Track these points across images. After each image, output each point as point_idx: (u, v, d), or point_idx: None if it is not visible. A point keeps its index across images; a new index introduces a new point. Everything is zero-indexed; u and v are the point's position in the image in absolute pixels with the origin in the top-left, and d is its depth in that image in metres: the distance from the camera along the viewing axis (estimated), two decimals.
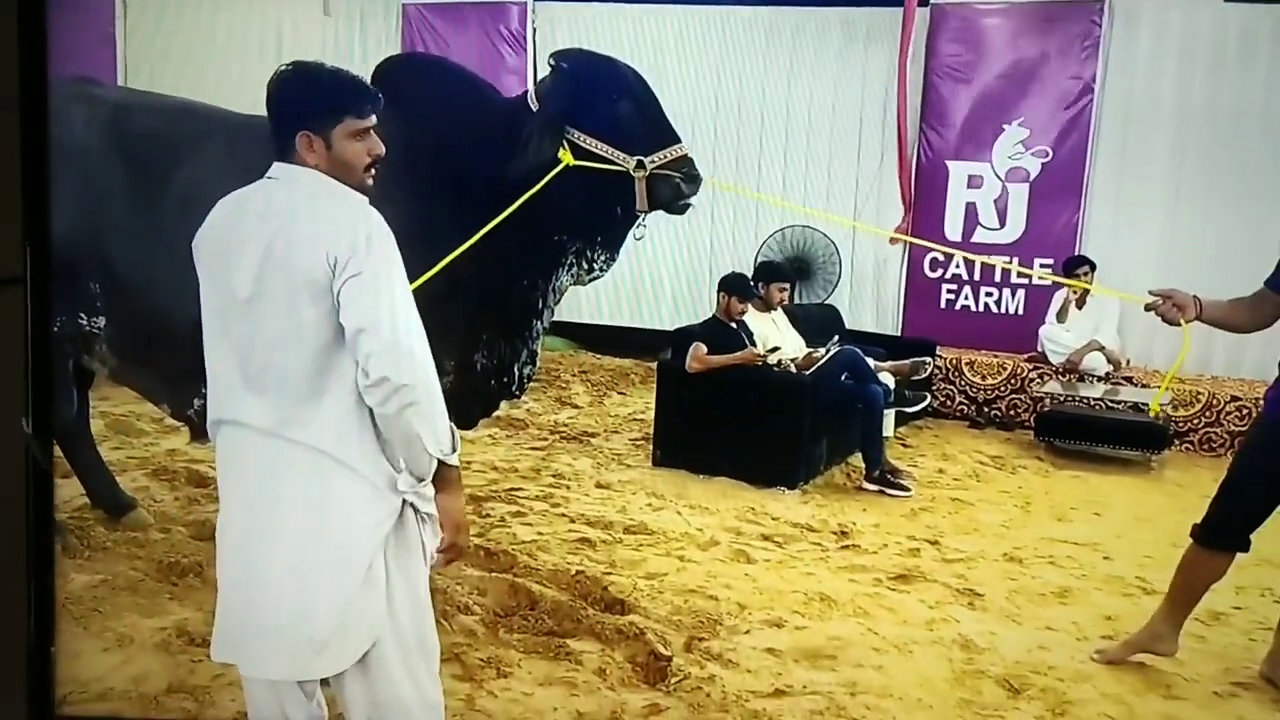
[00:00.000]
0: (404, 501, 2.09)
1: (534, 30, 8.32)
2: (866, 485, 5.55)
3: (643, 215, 3.61)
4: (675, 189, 3.57)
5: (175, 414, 3.93)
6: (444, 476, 2.12)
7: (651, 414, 5.92)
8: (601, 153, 3.50)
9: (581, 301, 8.54)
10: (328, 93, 2.10)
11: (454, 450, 2.10)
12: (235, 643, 2.12)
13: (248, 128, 3.79)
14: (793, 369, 5.71)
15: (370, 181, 2.14)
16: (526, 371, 3.82)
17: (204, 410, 3.80)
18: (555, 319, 8.50)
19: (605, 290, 8.54)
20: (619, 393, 7.67)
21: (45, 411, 2.12)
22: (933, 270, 7.95)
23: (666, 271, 8.36)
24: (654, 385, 5.95)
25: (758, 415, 5.49)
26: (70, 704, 2.95)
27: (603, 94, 3.55)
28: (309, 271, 1.98)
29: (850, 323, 7.54)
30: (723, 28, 8.27)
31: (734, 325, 5.63)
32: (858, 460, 5.75)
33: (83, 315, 3.69)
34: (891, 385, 5.96)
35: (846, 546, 4.55)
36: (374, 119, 2.13)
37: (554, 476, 5.35)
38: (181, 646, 3.25)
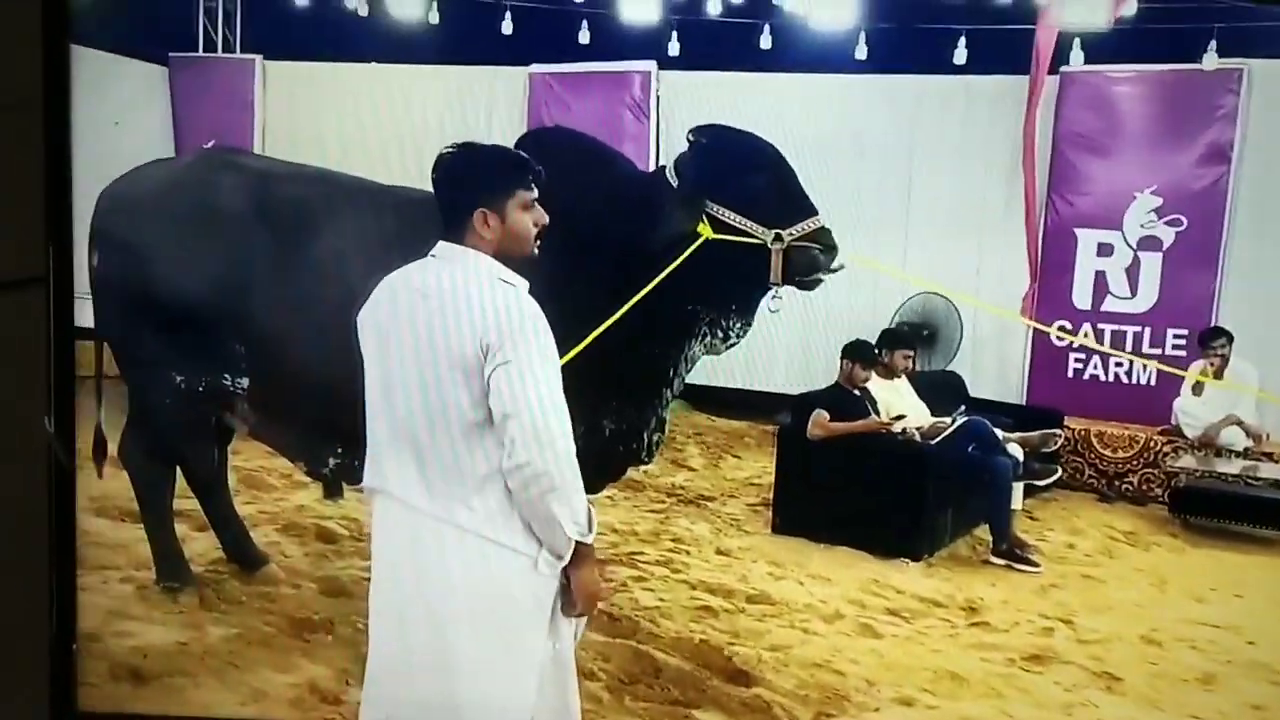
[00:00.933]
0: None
1: (657, 99, 8.45)
2: (993, 559, 5.40)
3: (776, 287, 3.61)
4: (813, 260, 3.56)
5: (310, 472, 4.05)
6: (578, 552, 2.15)
7: (768, 479, 5.88)
8: (740, 225, 3.51)
9: (698, 362, 8.55)
10: (500, 169, 2.20)
11: (590, 530, 2.13)
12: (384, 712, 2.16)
13: (385, 196, 3.95)
14: (918, 438, 5.61)
15: (535, 250, 2.22)
16: (655, 438, 3.83)
17: (339, 469, 3.94)
18: None
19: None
20: (734, 455, 7.64)
21: (67, 409, 2.17)
22: (1061, 339, 7.77)
23: (781, 334, 8.31)
24: (769, 449, 5.92)
25: (881, 484, 5.41)
26: None
27: (740, 168, 3.58)
28: (462, 354, 2.05)
29: (972, 390, 7.38)
30: (844, 96, 8.29)
31: (857, 392, 5.57)
32: (982, 532, 5.62)
33: (227, 375, 3.83)
34: (1020, 457, 5.82)
35: (976, 623, 4.43)
36: (537, 190, 2.21)
37: (673, 540, 5.33)
38: (314, 703, 3.30)
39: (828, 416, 5.46)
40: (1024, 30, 7.63)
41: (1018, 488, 5.84)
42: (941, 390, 6.69)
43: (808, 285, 3.63)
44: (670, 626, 4.06)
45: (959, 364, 7.69)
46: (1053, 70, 7.63)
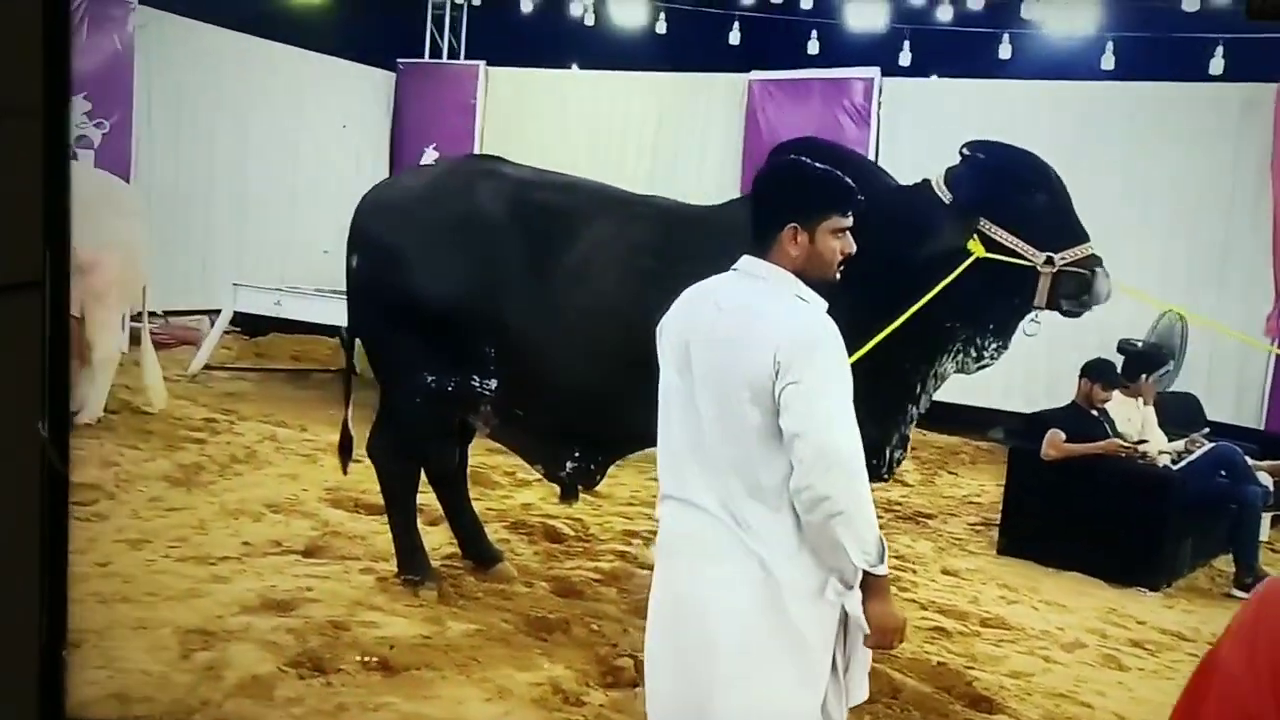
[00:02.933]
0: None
1: (879, 105, 8.34)
2: (1237, 593, 5.12)
3: (1038, 310, 3.50)
4: (1084, 284, 3.44)
5: (548, 474, 4.10)
6: (870, 584, 2.10)
7: (988, 497, 5.72)
8: (1013, 246, 3.42)
9: None
10: (822, 189, 2.18)
11: (881, 560, 2.08)
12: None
13: (635, 206, 3.99)
14: (1161, 462, 5.35)
15: (837, 276, 2.19)
16: (897, 455, 3.75)
17: (575, 472, 3.98)
18: None
19: None
20: (949, 472, 7.45)
21: (61, 413, 2.16)
22: None
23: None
24: (985, 465, 5.76)
25: (1118, 509, 5.18)
26: None
27: (1018, 187, 3.48)
28: (754, 371, 2.03)
29: (1207, 412, 6.98)
30: (1079, 103, 7.97)
31: (1095, 413, 5.36)
32: (1220, 563, 5.32)
33: (475, 377, 3.90)
34: (1270, 486, 5.48)
35: None
36: (852, 219, 2.19)
37: (896, 558, 5.22)
38: (557, 704, 3.30)
39: (1063, 436, 5.26)
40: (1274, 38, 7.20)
41: (1266, 519, 5.51)
42: (1177, 412, 6.36)
43: (1073, 312, 3.50)
44: (906, 647, 3.93)
45: (1193, 384, 7.29)
46: None
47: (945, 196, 3.50)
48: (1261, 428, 7.29)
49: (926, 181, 3.61)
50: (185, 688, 3.19)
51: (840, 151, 3.94)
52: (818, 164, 2.22)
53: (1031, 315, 3.53)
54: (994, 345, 3.62)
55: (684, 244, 3.66)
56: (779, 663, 2.09)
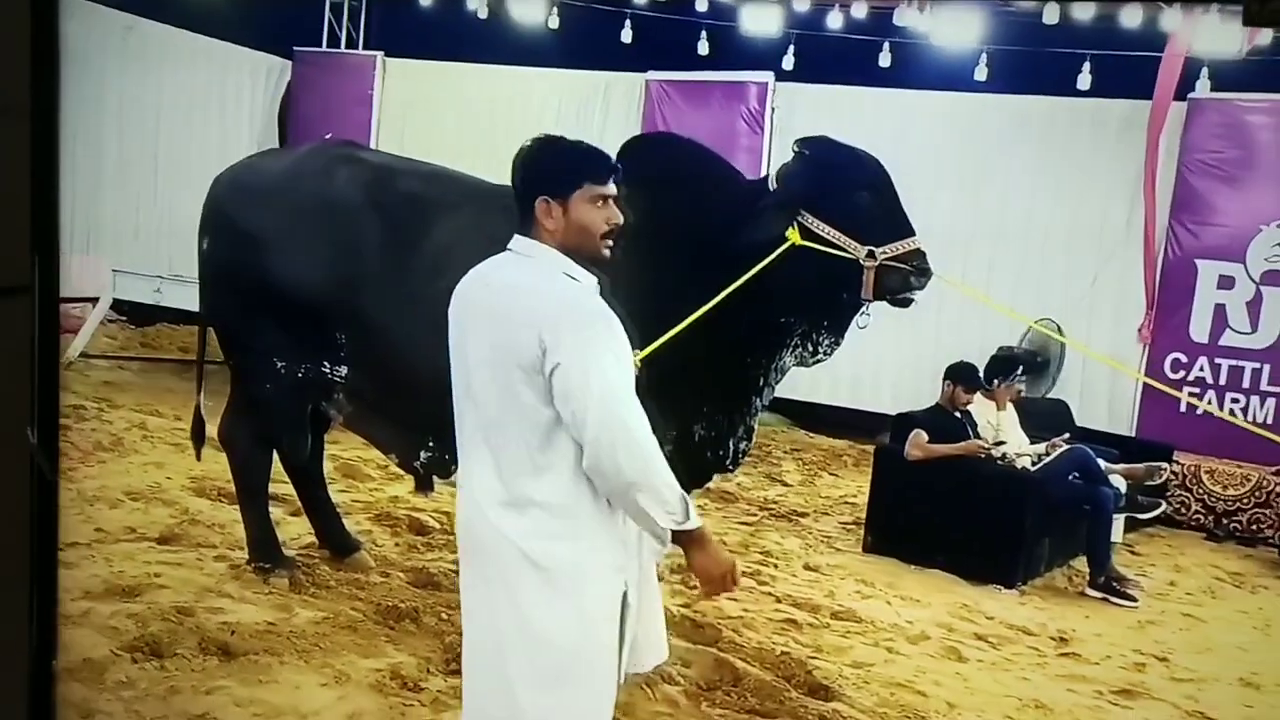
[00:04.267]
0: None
1: (773, 110, 8.46)
2: (1090, 591, 5.29)
3: (867, 304, 3.60)
4: (904, 281, 3.51)
5: (402, 464, 4.10)
6: (686, 539, 2.11)
7: (864, 498, 5.83)
8: (832, 239, 3.50)
9: (799, 379, 8.50)
10: (567, 159, 2.16)
11: (687, 516, 2.08)
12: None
13: (498, 197, 3.98)
14: (1018, 464, 5.52)
15: (607, 252, 2.16)
16: (742, 446, 3.82)
17: (429, 463, 3.98)
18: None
19: (823, 369, 8.46)
20: (831, 474, 7.58)
21: (50, 421, 2.14)
22: (1175, 371, 7.55)
23: (888, 355, 8.23)
24: (868, 468, 5.87)
25: (979, 508, 5.32)
26: None
27: (841, 183, 3.56)
28: (521, 350, 2.02)
29: (1080, 420, 7.21)
30: (969, 115, 8.18)
31: (958, 414, 5.50)
32: (1080, 564, 5.50)
33: (326, 364, 3.90)
34: (1124, 489, 5.67)
35: (1066, 654, 4.34)
36: (614, 188, 2.16)
37: (761, 554, 5.32)
38: (395, 689, 3.32)
39: (926, 437, 5.39)
40: (1149, 57, 7.46)
41: (1119, 520, 5.70)
42: (1046, 418, 6.54)
43: (900, 303, 3.59)
44: (753, 637, 4.05)
45: (1067, 392, 7.52)
46: (1179, 97, 7.44)
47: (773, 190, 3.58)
48: (1133, 434, 7.53)
49: (766, 177, 3.69)
50: None
51: (690, 145, 3.99)
52: (566, 137, 2.21)
53: (863, 309, 3.61)
54: (828, 341, 3.70)
55: None
56: (561, 650, 2.11)
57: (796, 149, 3.63)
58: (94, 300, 8.07)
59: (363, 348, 3.84)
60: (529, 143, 2.18)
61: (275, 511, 4.44)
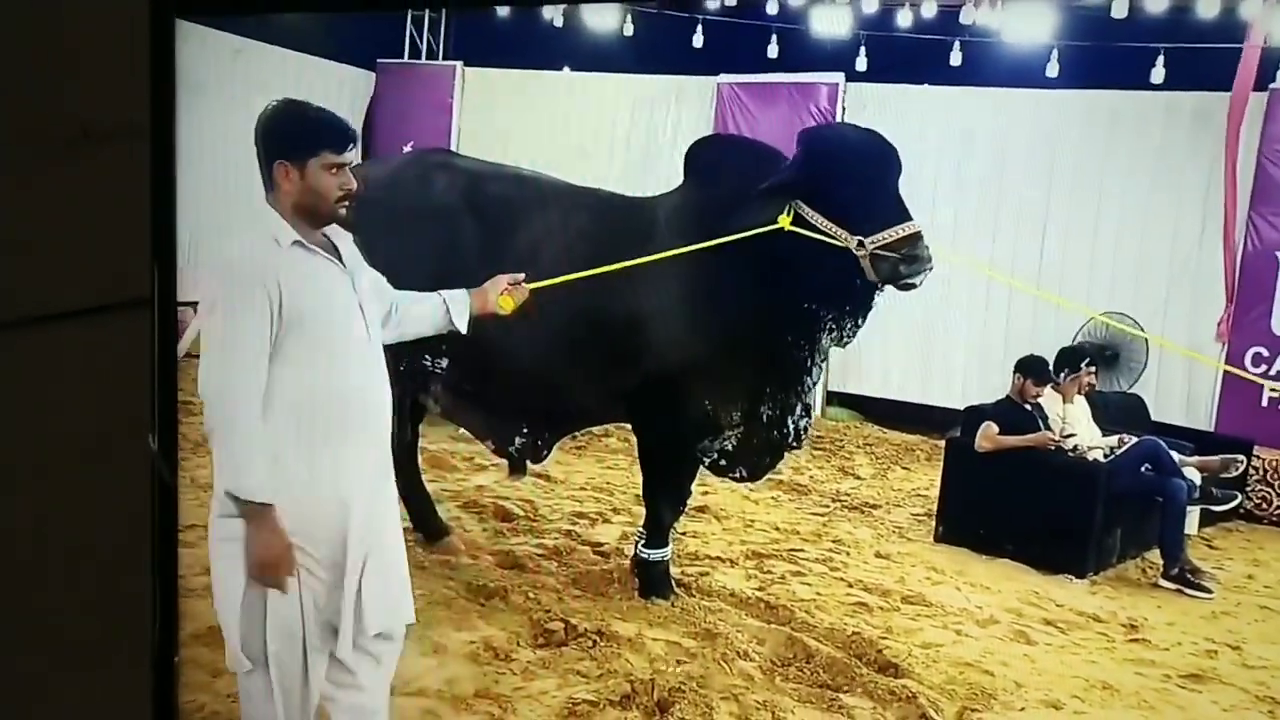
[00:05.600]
0: None
1: (843, 110, 8.55)
2: (1163, 582, 5.31)
3: (878, 287, 3.72)
4: (893, 269, 3.61)
5: (497, 450, 4.38)
6: (248, 513, 2.27)
7: (936, 491, 5.92)
8: (823, 228, 3.65)
9: (871, 374, 8.61)
10: (308, 127, 2.34)
11: (248, 497, 2.24)
12: None
13: (580, 196, 4.25)
14: (1089, 455, 5.56)
15: (343, 212, 2.38)
16: (803, 424, 4.04)
17: (523, 448, 4.24)
18: (842, 390, 8.63)
19: (895, 364, 8.58)
20: (903, 467, 7.66)
21: (170, 428, 2.24)
22: (1255, 365, 7.49)
23: (960, 348, 8.28)
24: (940, 463, 5.96)
25: (1049, 500, 5.39)
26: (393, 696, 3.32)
27: (835, 172, 3.68)
28: None
29: (1156, 414, 7.19)
30: (1036, 111, 8.20)
31: (1028, 407, 5.57)
32: (1154, 556, 5.52)
33: (427, 356, 4.15)
34: (1198, 481, 5.68)
35: (1135, 640, 4.40)
36: (351, 157, 2.36)
37: (834, 542, 5.45)
38: (488, 659, 3.57)
39: (996, 429, 5.47)
40: (1226, 49, 7.42)
41: (1193, 512, 5.71)
42: (1121, 411, 6.57)
43: (902, 288, 3.68)
44: (825, 618, 4.20)
45: (1143, 386, 7.50)
46: (1258, 87, 7.39)
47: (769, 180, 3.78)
48: (1212, 430, 7.48)
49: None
50: None
51: (750, 143, 4.21)
52: (309, 104, 2.39)
53: (878, 289, 3.75)
54: (850, 325, 3.86)
55: (618, 230, 4.01)
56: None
57: (799, 136, 3.82)
58: (194, 304, 8.42)
59: (460, 339, 4.08)
60: (269, 106, 2.36)
61: None
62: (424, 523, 4.69)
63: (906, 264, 3.60)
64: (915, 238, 3.61)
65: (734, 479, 4.28)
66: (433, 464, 6.07)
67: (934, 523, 5.78)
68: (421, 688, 3.37)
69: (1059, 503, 5.37)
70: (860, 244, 3.62)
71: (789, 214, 3.69)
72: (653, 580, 4.24)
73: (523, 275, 3.09)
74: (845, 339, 3.89)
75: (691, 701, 3.32)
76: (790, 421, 3.99)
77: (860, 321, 3.87)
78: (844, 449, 7.86)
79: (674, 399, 4.01)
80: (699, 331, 3.92)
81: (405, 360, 4.15)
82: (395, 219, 4.12)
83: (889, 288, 3.73)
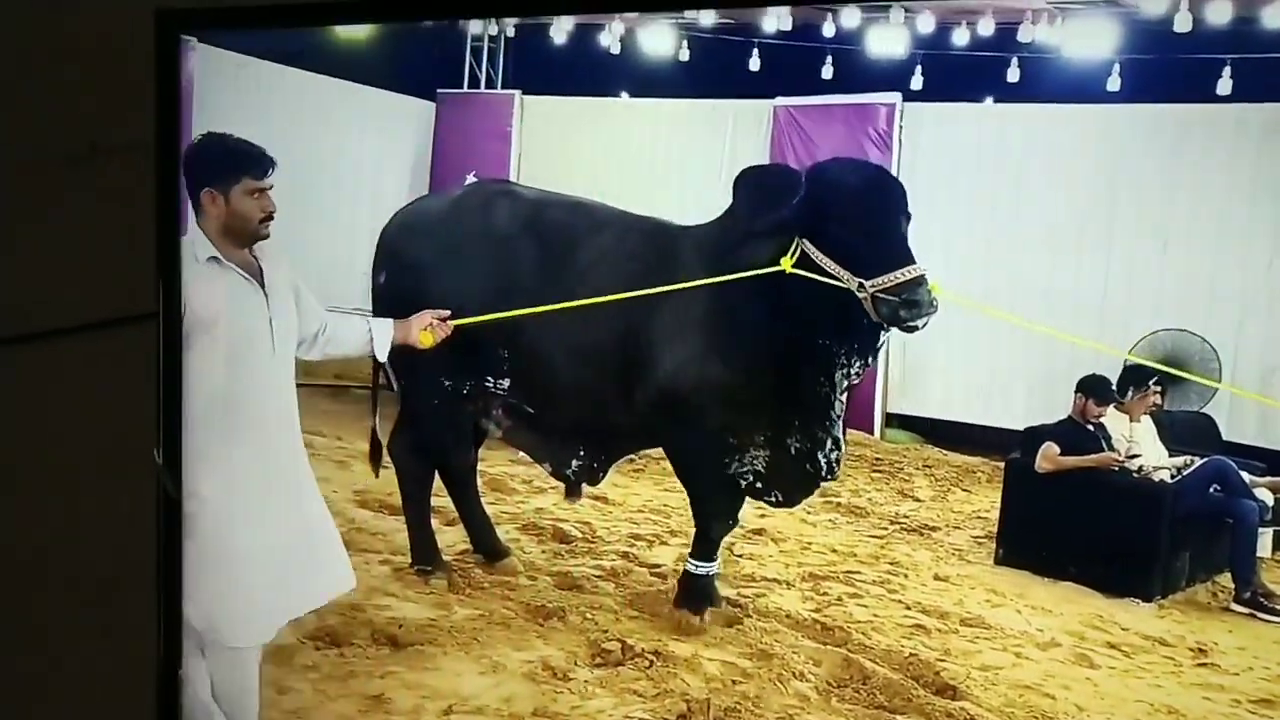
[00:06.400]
0: None
1: (900, 130, 8.51)
2: (1235, 606, 5.19)
3: (885, 329, 3.71)
4: (894, 313, 3.59)
5: (555, 473, 4.48)
6: None
7: (996, 513, 5.84)
8: (828, 268, 3.65)
9: (931, 395, 8.51)
10: (229, 157, 2.56)
11: None
12: None
13: (633, 222, 4.35)
14: (1155, 476, 5.46)
15: (266, 232, 2.61)
16: (834, 456, 4.02)
17: (580, 470, 4.33)
18: (901, 412, 8.56)
19: (955, 385, 8.48)
20: (963, 489, 7.56)
21: (174, 442, 2.27)
22: None
23: (1020, 369, 8.16)
24: (1000, 484, 5.89)
25: (1111, 521, 5.30)
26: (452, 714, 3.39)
27: (836, 212, 3.67)
28: None
29: (1228, 434, 7.02)
30: (1098, 126, 8.10)
31: (1090, 427, 5.48)
32: (1226, 580, 5.39)
33: (489, 378, 4.30)
34: (1270, 502, 5.54)
35: (1203, 664, 4.31)
36: (270, 182, 2.57)
37: (891, 564, 5.40)
38: (545, 678, 3.63)
39: (1058, 450, 5.40)
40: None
41: (1265, 534, 5.57)
42: (1190, 431, 6.44)
43: (905, 330, 3.66)
44: (881, 640, 4.17)
45: (1214, 406, 7.33)
46: None
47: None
48: None
49: None
50: None
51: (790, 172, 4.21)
52: (230, 136, 2.60)
53: (884, 330, 3.74)
54: (859, 363, 3.88)
55: (667, 255, 4.10)
56: None
57: (806, 173, 3.84)
58: None
59: (522, 362, 4.21)
60: (196, 140, 2.59)
61: (432, 521, 4.77)
62: (484, 544, 4.76)
63: (906, 308, 3.57)
64: (917, 282, 3.57)
65: (769, 503, 4.27)
66: (492, 487, 6.14)
67: (994, 545, 5.71)
68: (480, 706, 3.43)
69: (1123, 524, 5.28)
70: (861, 286, 3.62)
71: (794, 252, 3.71)
72: (690, 593, 4.25)
73: (448, 312, 3.35)
74: (856, 375, 3.90)
75: None
76: (821, 456, 3.98)
77: (870, 360, 3.90)
78: (903, 471, 7.77)
79: (693, 419, 4.05)
80: (717, 359, 3.98)
81: (469, 384, 4.31)
82: (458, 247, 4.30)
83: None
